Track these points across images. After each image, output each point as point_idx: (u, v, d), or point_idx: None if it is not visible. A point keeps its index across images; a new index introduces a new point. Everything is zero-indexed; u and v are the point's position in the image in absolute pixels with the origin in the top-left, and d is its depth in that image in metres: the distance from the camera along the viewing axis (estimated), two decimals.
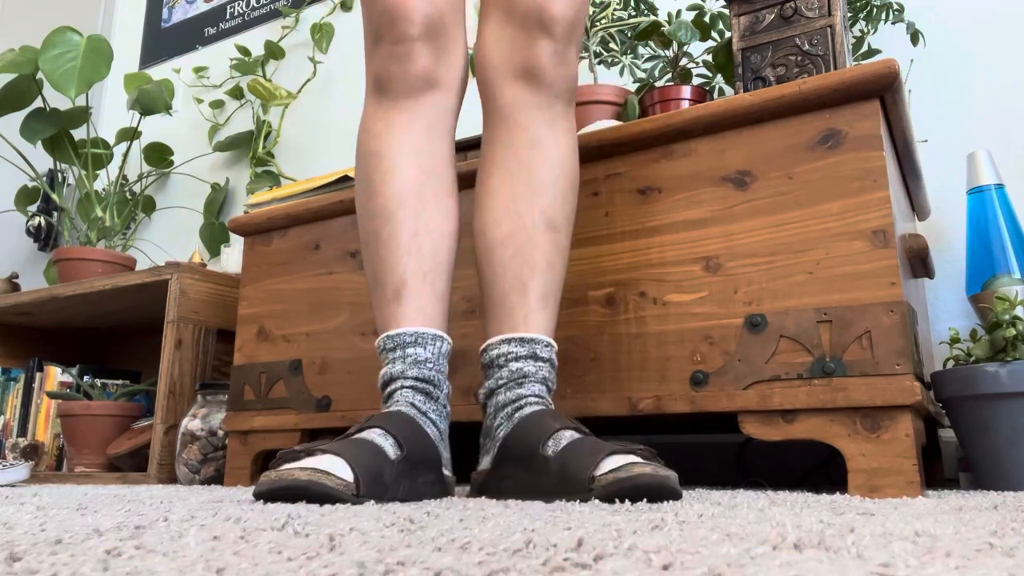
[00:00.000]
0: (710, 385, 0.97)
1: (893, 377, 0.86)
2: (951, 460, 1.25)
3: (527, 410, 0.84)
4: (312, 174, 2.19)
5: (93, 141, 2.09)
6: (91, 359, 2.26)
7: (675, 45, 1.38)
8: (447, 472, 0.87)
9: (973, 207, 1.23)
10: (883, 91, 0.94)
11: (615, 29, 1.42)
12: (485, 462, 0.88)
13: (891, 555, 0.34)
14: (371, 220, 0.93)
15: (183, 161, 2.44)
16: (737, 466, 1.31)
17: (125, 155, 2.08)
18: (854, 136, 0.95)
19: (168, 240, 2.45)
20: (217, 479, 1.42)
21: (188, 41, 2.61)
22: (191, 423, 1.43)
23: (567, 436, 0.79)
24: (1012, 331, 0.98)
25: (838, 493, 0.91)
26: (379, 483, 0.74)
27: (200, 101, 2.42)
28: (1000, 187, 1.23)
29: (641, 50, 1.45)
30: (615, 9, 1.43)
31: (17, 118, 2.24)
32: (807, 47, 1.07)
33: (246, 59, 2.27)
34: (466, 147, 1.32)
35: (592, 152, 1.11)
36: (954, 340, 1.06)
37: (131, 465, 1.59)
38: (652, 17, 1.41)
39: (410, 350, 0.87)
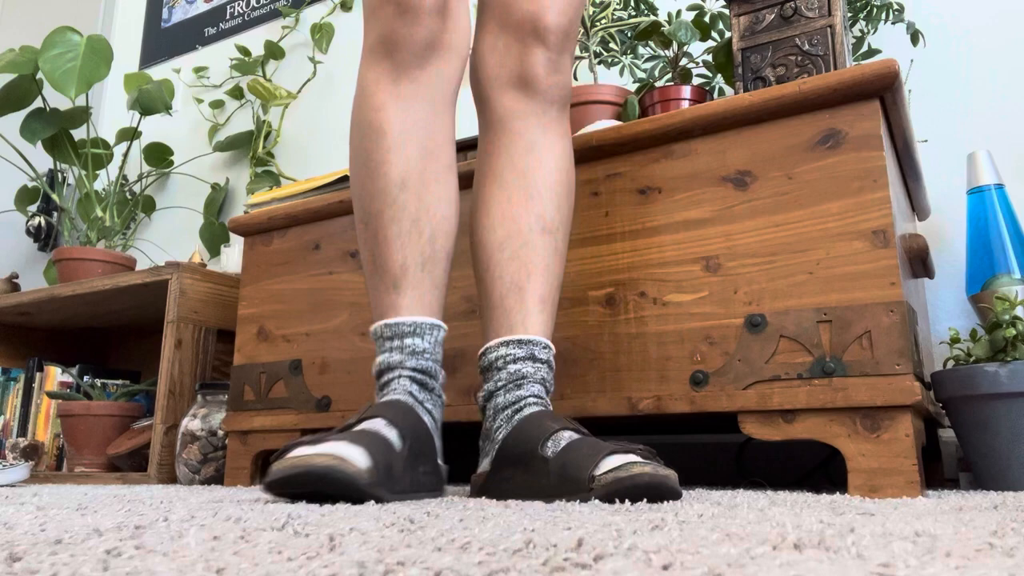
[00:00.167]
0: (710, 385, 0.97)
1: (893, 377, 0.86)
2: (951, 460, 1.25)
3: (526, 411, 0.84)
4: (312, 174, 2.19)
5: (93, 141, 2.09)
6: (91, 359, 2.26)
7: (675, 45, 1.38)
8: (440, 462, 0.88)
9: (973, 207, 1.23)
10: (883, 91, 0.94)
11: (615, 29, 1.42)
12: (485, 464, 0.89)
13: (891, 555, 0.34)
14: (371, 200, 0.91)
15: (183, 161, 2.44)
16: (737, 466, 1.31)
17: (125, 155, 2.07)
18: (854, 136, 0.95)
19: (168, 240, 2.45)
20: (217, 479, 1.42)
21: (188, 41, 2.61)
22: (191, 423, 1.43)
23: (566, 436, 0.79)
24: (1012, 331, 0.98)
25: (838, 493, 0.91)
26: (390, 474, 0.74)
27: (200, 101, 2.42)
28: (1000, 187, 1.23)
29: (641, 50, 1.45)
30: (615, 9, 1.43)
31: (17, 118, 2.25)
32: (807, 47, 1.07)
33: (246, 59, 2.27)
34: (466, 147, 1.32)
35: (592, 152, 1.11)
36: (954, 340, 1.06)
37: (131, 465, 1.59)
38: (652, 17, 1.41)
39: (408, 340, 0.87)
